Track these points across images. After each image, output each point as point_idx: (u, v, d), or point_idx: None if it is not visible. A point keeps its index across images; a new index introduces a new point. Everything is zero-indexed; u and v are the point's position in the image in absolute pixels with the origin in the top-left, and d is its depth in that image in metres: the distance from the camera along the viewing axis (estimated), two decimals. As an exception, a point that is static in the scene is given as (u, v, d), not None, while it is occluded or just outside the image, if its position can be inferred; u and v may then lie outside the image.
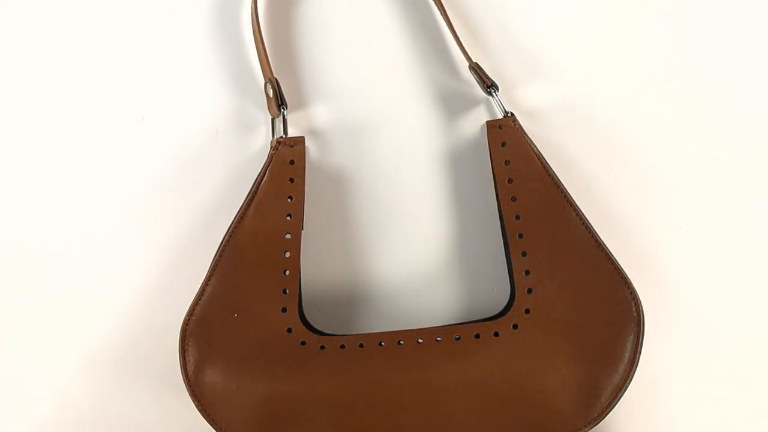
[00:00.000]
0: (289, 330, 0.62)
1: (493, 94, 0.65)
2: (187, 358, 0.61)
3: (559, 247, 0.62)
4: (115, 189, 0.68)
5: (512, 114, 0.64)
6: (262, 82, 0.66)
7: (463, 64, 0.68)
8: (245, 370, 0.61)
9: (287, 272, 0.62)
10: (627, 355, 0.60)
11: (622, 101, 0.68)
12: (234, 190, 0.67)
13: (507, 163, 0.63)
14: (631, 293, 0.61)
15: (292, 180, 0.63)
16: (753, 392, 0.69)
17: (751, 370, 0.69)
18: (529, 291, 0.62)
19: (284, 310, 0.62)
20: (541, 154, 0.63)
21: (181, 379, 0.61)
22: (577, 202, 0.63)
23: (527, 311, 0.62)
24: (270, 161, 0.63)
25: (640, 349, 0.60)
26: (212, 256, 0.62)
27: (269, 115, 0.67)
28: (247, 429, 0.60)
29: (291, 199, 0.63)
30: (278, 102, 0.64)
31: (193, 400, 0.61)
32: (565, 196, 0.62)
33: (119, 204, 0.68)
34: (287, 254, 0.62)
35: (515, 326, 0.61)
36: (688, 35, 0.68)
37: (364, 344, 0.62)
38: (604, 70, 0.68)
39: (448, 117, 0.68)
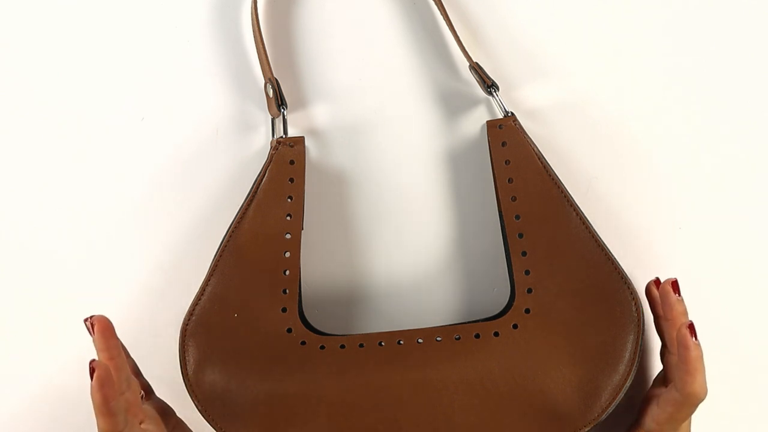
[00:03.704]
0: (289, 330, 0.62)
1: (494, 93, 0.65)
2: (187, 358, 0.61)
3: (559, 247, 0.62)
4: (114, 189, 0.68)
5: (512, 114, 0.64)
6: (262, 82, 0.66)
7: (463, 64, 0.68)
8: (245, 370, 0.61)
9: (287, 272, 0.62)
10: (627, 355, 0.60)
11: (623, 101, 0.68)
12: (234, 190, 0.67)
13: (507, 162, 0.63)
14: (631, 293, 0.61)
15: (292, 180, 0.63)
16: (753, 392, 0.69)
17: (752, 370, 0.69)
18: (529, 291, 0.62)
19: (284, 310, 0.62)
20: (541, 154, 0.63)
21: (181, 379, 0.61)
22: (577, 202, 0.63)
23: (527, 311, 0.62)
24: (270, 161, 0.63)
25: (640, 349, 0.60)
26: (212, 256, 0.62)
27: (269, 115, 0.67)
28: (247, 429, 0.60)
29: (291, 199, 0.63)
30: (278, 102, 0.64)
31: (193, 400, 0.61)
32: (565, 196, 0.62)
33: (119, 204, 0.68)
34: (287, 254, 0.62)
35: (515, 326, 0.61)
36: (689, 35, 0.68)
37: (364, 344, 0.62)
38: (605, 70, 0.68)
39: (448, 117, 0.68)
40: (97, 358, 0.56)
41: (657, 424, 0.59)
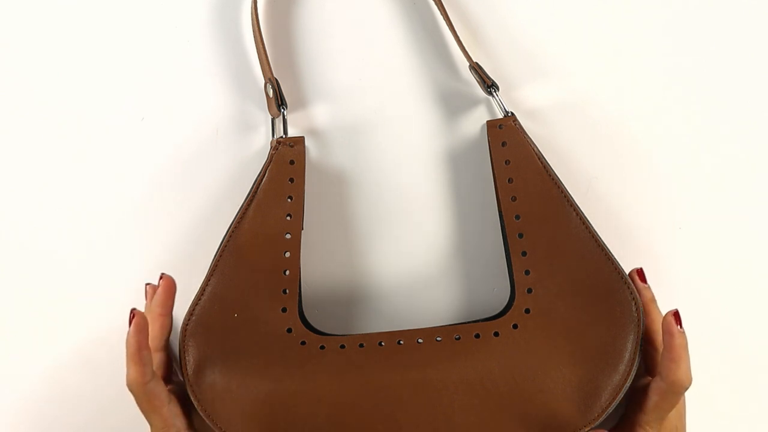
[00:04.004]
0: (289, 330, 0.62)
1: (494, 93, 0.65)
2: (187, 358, 0.61)
3: (559, 247, 0.62)
4: (114, 189, 0.68)
5: (512, 114, 0.64)
6: (262, 82, 0.66)
7: (463, 64, 0.68)
8: (245, 370, 0.61)
9: (287, 272, 0.62)
10: (627, 355, 0.60)
11: (623, 101, 0.68)
12: (234, 190, 0.67)
13: (507, 162, 0.63)
14: (631, 293, 0.61)
15: (292, 180, 0.63)
16: (753, 392, 0.69)
17: (752, 370, 0.69)
18: (529, 291, 0.62)
19: (284, 310, 0.62)
20: (541, 154, 0.63)
21: (181, 379, 0.61)
22: (577, 202, 0.63)
23: (527, 311, 0.62)
24: (270, 161, 0.63)
25: (640, 349, 0.60)
26: (212, 256, 0.62)
27: (269, 115, 0.67)
28: (247, 429, 0.60)
29: (291, 199, 0.63)
30: (278, 102, 0.64)
31: (193, 400, 0.61)
32: (565, 196, 0.62)
33: (119, 204, 0.68)
34: (287, 254, 0.62)
35: (515, 326, 0.61)
36: (689, 35, 0.68)
37: (364, 344, 0.62)
38: (605, 70, 0.68)
39: (448, 117, 0.68)
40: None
41: (644, 414, 0.60)
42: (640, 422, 0.60)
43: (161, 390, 0.59)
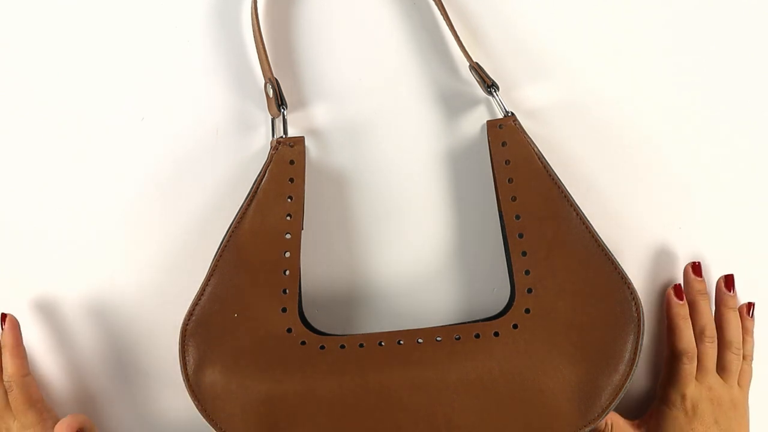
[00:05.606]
0: (289, 330, 0.62)
1: (494, 93, 0.65)
2: (187, 358, 0.61)
3: (559, 247, 0.62)
4: (114, 189, 0.68)
5: (512, 114, 0.64)
6: (262, 82, 0.66)
7: (463, 64, 0.68)
8: (245, 370, 0.61)
9: (287, 272, 0.62)
10: (627, 355, 0.60)
11: (623, 101, 0.68)
12: (234, 190, 0.67)
13: (507, 162, 0.63)
14: (631, 293, 0.61)
15: (292, 180, 0.63)
16: (753, 392, 0.69)
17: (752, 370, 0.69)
18: (529, 291, 0.62)
19: (284, 310, 0.62)
20: (541, 154, 0.63)
21: (181, 379, 0.61)
22: (577, 202, 0.63)
23: (527, 311, 0.62)
24: (270, 161, 0.63)
25: (640, 349, 0.60)
26: (212, 256, 0.62)
27: (269, 115, 0.67)
28: (246, 429, 0.60)
29: (291, 199, 0.63)
30: (278, 102, 0.64)
31: (193, 400, 0.61)
32: (565, 196, 0.62)
33: (119, 204, 0.68)
34: (287, 254, 0.62)
35: (515, 326, 0.61)
36: (689, 35, 0.68)
37: (364, 344, 0.62)
38: (605, 70, 0.68)
39: (448, 117, 0.68)
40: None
41: (661, 388, 0.66)
42: (660, 397, 0.65)
43: (36, 385, 0.65)
